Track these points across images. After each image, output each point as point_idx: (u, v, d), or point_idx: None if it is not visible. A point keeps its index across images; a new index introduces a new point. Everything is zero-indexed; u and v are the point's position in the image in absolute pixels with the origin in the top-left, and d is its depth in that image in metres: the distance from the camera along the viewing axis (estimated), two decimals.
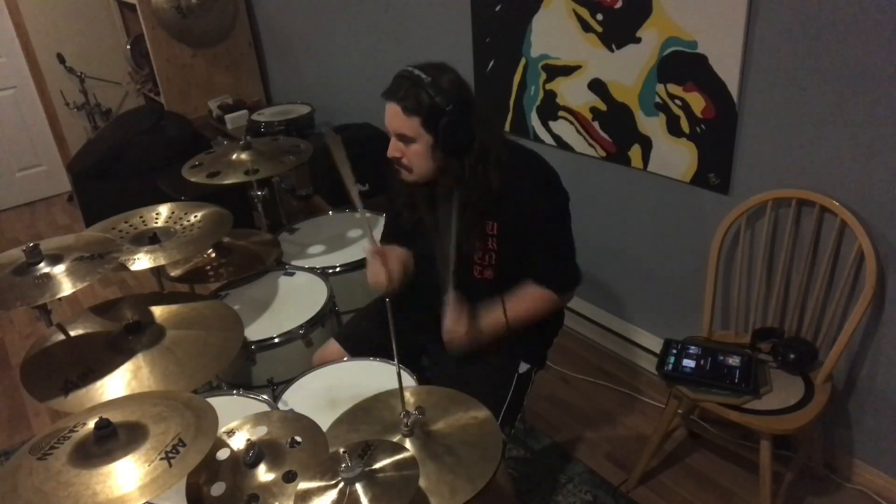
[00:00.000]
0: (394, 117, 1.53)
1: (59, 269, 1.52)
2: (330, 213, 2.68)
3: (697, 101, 1.98)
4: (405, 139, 1.55)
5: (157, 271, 2.02)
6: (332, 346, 1.87)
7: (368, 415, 1.36)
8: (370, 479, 1.06)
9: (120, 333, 1.59)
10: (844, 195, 1.75)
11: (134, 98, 4.87)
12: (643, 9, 2.02)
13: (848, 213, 1.72)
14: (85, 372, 1.48)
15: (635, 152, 2.23)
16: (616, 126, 2.27)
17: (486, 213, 1.60)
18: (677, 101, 2.04)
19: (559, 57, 2.35)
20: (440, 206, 1.66)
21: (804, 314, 1.92)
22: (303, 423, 1.33)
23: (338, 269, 2.22)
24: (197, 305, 1.75)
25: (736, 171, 1.98)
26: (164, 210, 2.05)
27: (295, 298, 2.10)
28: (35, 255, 1.54)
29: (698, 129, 2.02)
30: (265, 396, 1.69)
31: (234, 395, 1.75)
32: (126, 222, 2.00)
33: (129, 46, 4.65)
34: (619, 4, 2.09)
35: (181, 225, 1.98)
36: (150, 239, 1.88)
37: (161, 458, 1.10)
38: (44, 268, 1.53)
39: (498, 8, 2.51)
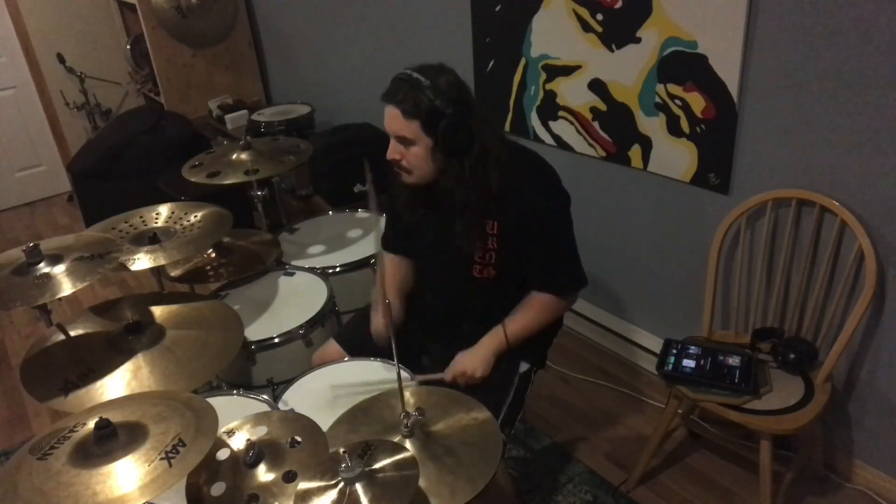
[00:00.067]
0: (393, 120, 1.53)
1: (59, 269, 1.52)
2: (330, 213, 2.69)
3: (697, 101, 1.98)
4: (405, 142, 1.55)
5: (157, 271, 2.02)
6: (332, 346, 1.87)
7: (368, 415, 1.36)
8: (370, 479, 1.06)
9: (120, 333, 1.59)
10: (844, 195, 1.75)
11: (134, 98, 4.87)
12: (643, 9, 2.02)
13: (848, 213, 1.72)
14: (85, 372, 1.48)
15: (635, 152, 2.23)
16: (616, 126, 2.27)
17: (486, 213, 1.60)
18: (677, 101, 2.04)
19: (559, 57, 2.35)
20: (440, 207, 1.67)
21: (804, 314, 1.92)
22: (303, 423, 1.33)
23: (338, 269, 2.22)
24: (197, 305, 1.75)
25: (736, 171, 1.98)
26: (164, 210, 2.05)
27: (295, 298, 2.10)
28: (35, 255, 1.54)
29: (698, 129, 2.02)
30: (265, 396, 1.69)
31: (234, 395, 1.75)
32: (126, 222, 2.00)
33: (129, 46, 4.65)
34: (619, 4, 2.09)
35: (181, 225, 1.98)
36: (150, 239, 1.88)
37: (161, 458, 1.10)
38: (44, 268, 1.53)
39: (498, 8, 2.51)
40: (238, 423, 1.35)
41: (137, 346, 1.55)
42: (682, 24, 1.94)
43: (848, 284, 1.80)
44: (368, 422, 1.34)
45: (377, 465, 1.09)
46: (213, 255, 2.22)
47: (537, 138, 2.56)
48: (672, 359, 1.85)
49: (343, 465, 1.05)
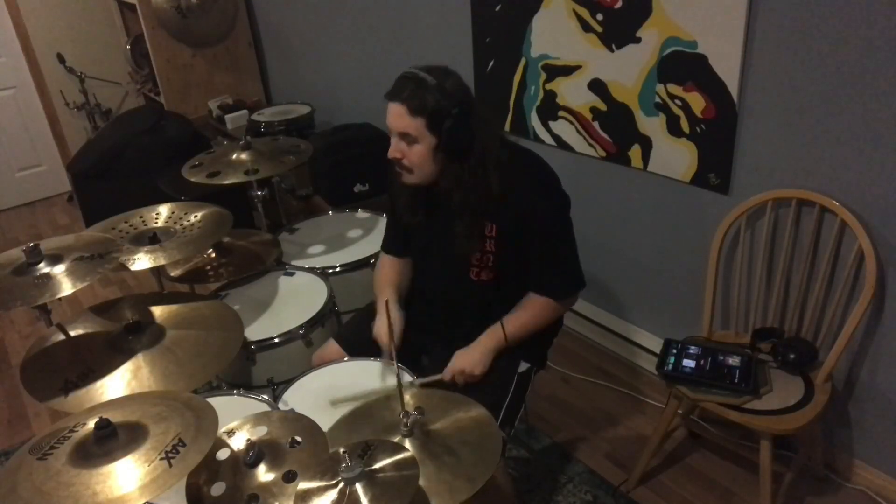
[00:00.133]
0: (398, 117, 1.53)
1: (59, 269, 1.52)
2: (330, 213, 2.69)
3: (697, 101, 1.98)
4: (408, 139, 1.55)
5: (157, 271, 2.02)
6: (332, 346, 1.87)
7: (368, 415, 1.36)
8: (370, 479, 1.06)
9: (120, 333, 1.59)
10: (844, 195, 1.75)
11: (134, 98, 4.87)
12: (643, 9, 2.02)
13: (848, 213, 1.72)
14: (85, 372, 1.48)
15: (635, 152, 2.23)
16: (616, 126, 2.27)
17: (485, 215, 1.60)
18: (677, 101, 2.04)
19: (559, 57, 2.35)
20: (440, 209, 1.67)
21: (804, 314, 1.92)
22: (303, 423, 1.33)
23: (338, 269, 2.22)
24: (197, 305, 1.75)
25: (736, 171, 1.98)
26: (164, 210, 2.05)
27: (295, 298, 2.10)
28: (35, 255, 1.54)
29: (698, 129, 2.02)
30: (265, 396, 1.69)
31: (234, 395, 1.75)
32: (126, 222, 2.00)
33: (129, 46, 4.66)
34: (619, 4, 2.09)
35: (181, 225, 1.98)
36: (150, 239, 1.88)
37: (161, 458, 1.10)
38: (44, 268, 1.53)
39: (498, 8, 2.51)
40: (238, 423, 1.35)
41: (137, 346, 1.55)
42: (682, 24, 1.94)
43: (848, 284, 1.80)
44: (368, 421, 1.34)
45: (377, 465, 1.09)
46: (213, 255, 2.22)
47: (537, 138, 2.56)
48: (672, 359, 1.85)
49: (343, 465, 1.05)
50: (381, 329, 1.73)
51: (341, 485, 1.06)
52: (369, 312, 1.95)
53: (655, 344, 2.42)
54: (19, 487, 1.08)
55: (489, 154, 1.57)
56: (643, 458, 2.04)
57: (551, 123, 2.49)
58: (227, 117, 4.07)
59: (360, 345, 1.82)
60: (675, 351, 1.87)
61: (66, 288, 1.46)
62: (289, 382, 1.74)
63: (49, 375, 1.49)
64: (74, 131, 4.71)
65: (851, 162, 1.71)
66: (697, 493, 2.04)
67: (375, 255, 2.20)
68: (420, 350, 1.85)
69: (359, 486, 1.05)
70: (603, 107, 2.27)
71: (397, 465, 1.10)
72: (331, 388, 1.68)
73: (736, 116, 1.90)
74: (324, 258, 2.32)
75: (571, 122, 2.41)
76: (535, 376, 1.79)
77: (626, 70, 2.14)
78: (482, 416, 1.30)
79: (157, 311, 1.69)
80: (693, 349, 1.87)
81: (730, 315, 2.16)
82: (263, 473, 1.22)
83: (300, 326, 1.94)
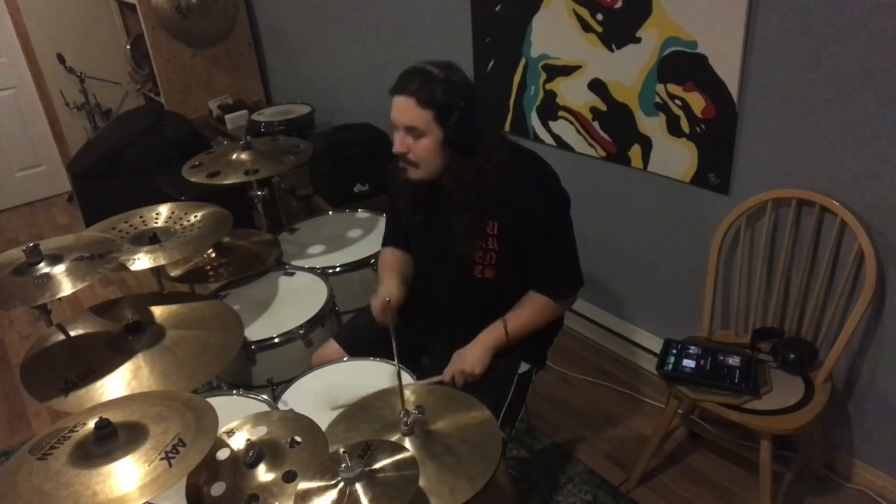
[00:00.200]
0: (406, 110, 1.52)
1: (59, 269, 1.52)
2: (330, 213, 2.68)
3: (697, 101, 1.98)
4: (414, 133, 1.54)
5: (157, 271, 2.02)
6: (332, 346, 1.87)
7: (368, 414, 1.36)
8: (370, 479, 1.06)
9: (120, 333, 1.59)
10: (844, 195, 1.75)
11: (134, 98, 4.87)
12: (643, 9, 2.02)
13: (848, 213, 1.72)
14: (85, 372, 1.48)
15: (635, 152, 2.23)
16: (616, 126, 2.27)
17: (486, 213, 1.61)
18: (677, 101, 2.04)
19: (559, 57, 2.35)
20: (441, 208, 1.67)
21: (804, 314, 1.92)
22: (303, 423, 1.33)
23: (338, 269, 2.22)
24: (197, 305, 1.75)
25: (736, 171, 1.98)
26: (164, 210, 2.05)
27: (295, 298, 2.10)
28: (35, 255, 1.54)
29: (698, 129, 2.02)
30: (265, 396, 1.69)
31: (234, 395, 1.75)
32: (126, 222, 2.00)
33: (129, 46, 4.66)
34: (619, 4, 2.09)
35: (181, 225, 1.98)
36: (150, 239, 1.88)
37: (161, 458, 1.10)
38: (44, 268, 1.53)
39: (498, 8, 2.51)
40: (238, 423, 1.35)
41: (137, 346, 1.55)
42: (682, 24, 1.94)
43: (848, 284, 1.80)
44: (368, 420, 1.34)
45: (377, 465, 1.09)
46: (213, 255, 2.22)
47: (537, 138, 2.56)
48: (672, 359, 1.85)
49: (343, 465, 1.05)
50: (378, 301, 1.72)
51: (341, 485, 1.06)
52: (369, 312, 1.96)
53: (655, 344, 2.42)
54: (19, 487, 1.08)
55: (492, 152, 1.57)
56: (643, 458, 2.04)
57: (551, 123, 2.49)
58: (227, 117, 4.07)
59: (360, 345, 1.82)
60: (675, 351, 1.87)
61: (66, 288, 1.46)
62: (289, 382, 1.74)
63: (49, 375, 1.49)
64: (74, 131, 4.71)
65: (851, 162, 1.71)
66: (697, 493, 2.04)
67: (375, 255, 2.20)
68: (420, 350, 1.85)
69: (359, 486, 1.05)
70: (603, 107, 2.27)
71: (397, 465, 1.10)
72: (331, 389, 1.68)
73: (736, 116, 1.90)
74: (324, 258, 2.32)
75: (571, 122, 2.41)
76: (536, 376, 1.79)
77: (626, 70, 2.14)
78: (483, 416, 1.30)
79: (157, 311, 1.69)
80: (693, 349, 1.87)
81: (730, 315, 2.16)
82: (263, 473, 1.22)
83: (300, 326, 1.94)
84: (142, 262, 1.80)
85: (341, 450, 1.10)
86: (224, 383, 2.00)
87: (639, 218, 2.36)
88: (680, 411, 2.09)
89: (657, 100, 2.09)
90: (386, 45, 3.25)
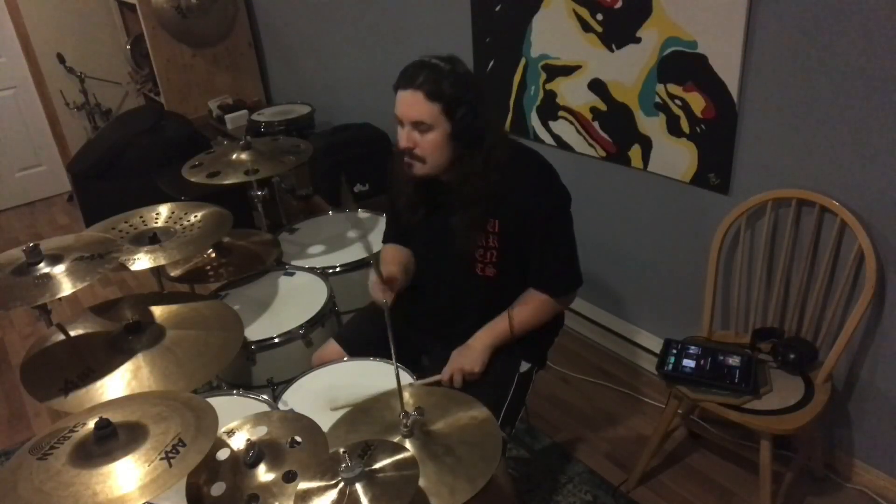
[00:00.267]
0: (413, 104, 1.51)
1: (59, 269, 1.52)
2: (330, 213, 2.68)
3: (697, 101, 1.98)
4: (421, 128, 1.53)
5: (157, 271, 2.02)
6: (332, 346, 1.87)
7: (368, 415, 1.36)
8: (370, 479, 1.06)
9: (120, 333, 1.59)
10: (844, 195, 1.75)
11: (134, 98, 4.87)
12: (643, 9, 2.02)
13: (848, 213, 1.72)
14: (85, 372, 1.48)
15: (635, 152, 2.23)
16: (616, 126, 2.27)
17: (487, 211, 1.60)
18: (677, 101, 2.04)
19: (559, 57, 2.35)
20: (441, 206, 1.67)
21: (804, 314, 1.92)
22: (303, 423, 1.33)
23: (338, 269, 2.22)
24: (197, 305, 1.75)
25: (736, 171, 1.98)
26: (164, 210, 2.05)
27: (295, 298, 2.10)
28: (35, 255, 1.54)
29: (698, 129, 2.02)
30: (265, 396, 1.69)
31: (234, 395, 1.75)
32: (126, 222, 2.00)
33: (129, 46, 4.66)
34: (619, 4, 2.09)
35: (181, 225, 1.98)
36: (150, 239, 1.88)
37: (161, 458, 1.10)
38: (44, 268, 1.53)
39: (498, 8, 2.51)
40: (238, 423, 1.34)
41: (137, 346, 1.55)
42: (682, 24, 1.94)
43: (848, 284, 1.80)
44: (368, 421, 1.34)
45: (377, 465, 1.09)
46: (213, 255, 2.21)
47: (537, 138, 2.56)
48: (672, 359, 1.85)
49: (343, 465, 1.05)
50: (376, 285, 1.70)
51: (341, 485, 1.06)
52: (369, 312, 1.96)
53: (655, 344, 2.42)
54: (19, 487, 1.08)
55: (495, 149, 1.57)
56: (643, 458, 2.04)
57: (551, 123, 2.49)
58: (227, 117, 4.07)
59: (360, 345, 1.82)
60: (675, 351, 1.87)
61: (66, 288, 1.46)
62: (289, 382, 1.74)
63: (49, 375, 1.49)
64: (74, 131, 4.71)
65: (851, 162, 1.71)
66: (697, 493, 2.04)
67: (375, 256, 2.20)
68: (420, 350, 1.85)
69: (359, 486, 1.05)
70: (603, 107, 2.27)
71: (397, 466, 1.10)
72: (331, 389, 1.68)
73: (736, 116, 1.90)
74: (324, 258, 2.32)
75: (571, 122, 2.41)
76: (536, 376, 1.79)
77: (626, 70, 2.14)
78: (483, 416, 1.30)
79: (157, 311, 1.69)
80: (693, 349, 1.87)
81: (730, 315, 2.16)
82: (263, 473, 1.22)
83: (300, 326, 1.94)
84: (142, 262, 1.80)
85: (341, 450, 1.10)
86: (224, 383, 2.00)
87: (639, 218, 2.36)
88: (680, 411, 2.09)
89: (657, 100, 2.09)
90: (386, 45, 3.25)
